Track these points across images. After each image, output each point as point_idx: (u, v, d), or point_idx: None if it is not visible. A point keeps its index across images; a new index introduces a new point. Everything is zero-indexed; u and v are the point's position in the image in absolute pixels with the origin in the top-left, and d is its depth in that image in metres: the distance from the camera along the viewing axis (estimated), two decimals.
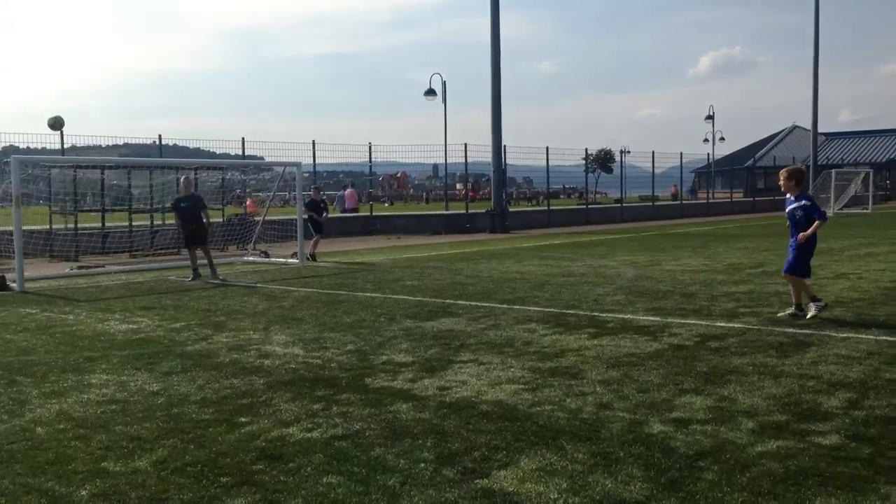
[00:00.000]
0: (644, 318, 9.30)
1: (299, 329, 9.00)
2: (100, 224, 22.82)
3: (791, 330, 8.28)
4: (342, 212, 35.13)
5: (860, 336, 7.84)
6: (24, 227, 14.64)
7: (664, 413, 5.33)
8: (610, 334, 8.29)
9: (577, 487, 4.04)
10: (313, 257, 18.51)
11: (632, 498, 3.89)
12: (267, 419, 5.41)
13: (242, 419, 5.42)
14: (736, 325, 8.63)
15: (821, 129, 57.04)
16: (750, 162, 73.65)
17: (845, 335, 7.92)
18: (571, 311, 9.88)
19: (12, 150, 22.79)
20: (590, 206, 39.26)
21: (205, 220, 15.03)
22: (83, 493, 4.11)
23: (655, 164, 41.97)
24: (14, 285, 13.36)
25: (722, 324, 8.76)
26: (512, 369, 6.76)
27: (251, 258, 19.12)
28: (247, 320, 9.72)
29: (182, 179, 16.09)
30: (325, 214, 19.91)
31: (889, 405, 5.41)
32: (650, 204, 42.45)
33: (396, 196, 76.08)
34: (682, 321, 8.98)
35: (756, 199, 52.58)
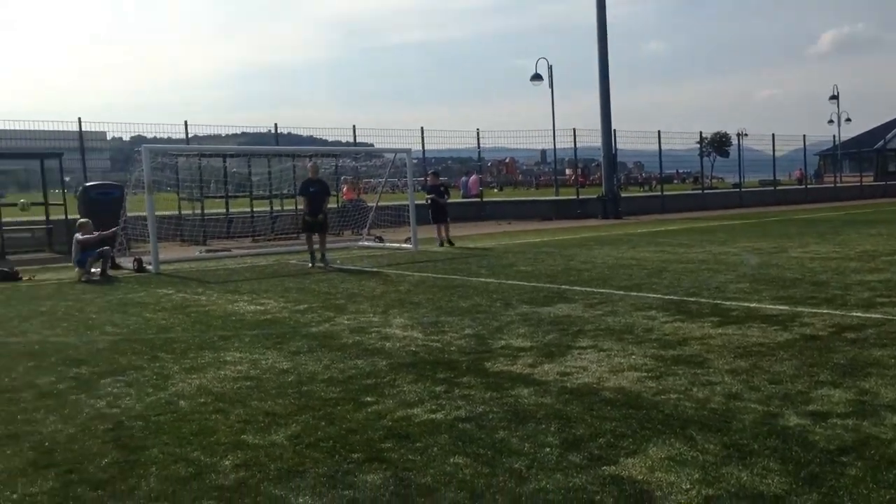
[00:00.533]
0: (771, 306, 8.94)
1: (417, 312, 9.15)
2: (224, 210, 23.92)
3: None
4: (464, 197, 35.39)
5: None
6: (156, 213, 15.51)
7: (800, 406, 5.12)
8: (735, 323, 8.01)
9: (710, 479, 3.95)
10: (450, 242, 18.49)
11: (770, 492, 3.76)
12: (391, 399, 5.54)
13: (368, 399, 5.57)
14: (874, 316, 8.16)
15: None
16: (880, 144, 69.28)
17: None
18: (692, 299, 9.61)
19: (140, 139, 24.18)
20: (706, 191, 37.99)
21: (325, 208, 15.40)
22: (226, 462, 4.35)
23: (776, 148, 40.16)
24: (150, 267, 14.19)
25: (858, 314, 8.31)
26: (633, 356, 6.65)
27: (366, 243, 19.57)
28: (366, 303, 9.97)
29: (309, 165, 16.33)
30: (445, 198, 19.92)
31: None
32: (771, 188, 40.63)
33: (505, 182, 75.95)
34: (814, 310, 8.58)
35: (888, 182, 49.43)
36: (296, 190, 20.78)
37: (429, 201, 19.65)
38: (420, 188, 33.08)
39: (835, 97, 56.95)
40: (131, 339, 7.90)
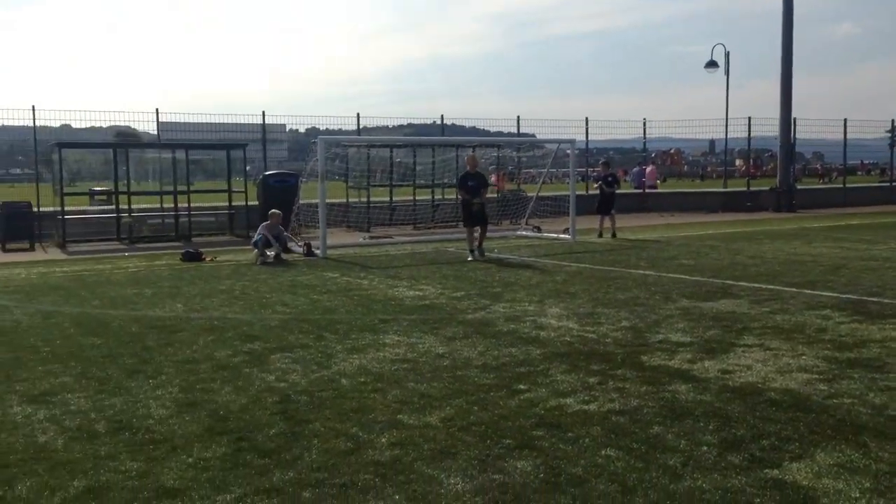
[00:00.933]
0: None
1: (573, 303, 9.08)
2: (388, 198, 24.75)
3: None
4: (636, 187, 34.70)
5: None
6: (326, 200, 16.29)
7: None
8: None
9: (882, 489, 3.67)
10: (613, 235, 18.11)
11: None
12: (544, 388, 5.54)
13: (521, 386, 5.60)
14: None
15: None
16: None
17: None
18: (874, 299, 8.91)
19: (314, 132, 25.49)
20: (894, 184, 34.89)
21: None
22: (383, 440, 4.53)
23: None
24: (318, 252, 14.94)
25: None
26: (804, 357, 6.27)
27: (524, 233, 19.59)
28: (522, 292, 10.00)
29: (467, 156, 15.94)
30: (615, 188, 19.42)
31: None
32: None
33: (669, 173, 73.43)
34: None
35: None
36: (456, 181, 20.97)
37: (598, 190, 19.28)
38: (588, 178, 32.66)
39: None
40: (299, 319, 8.38)
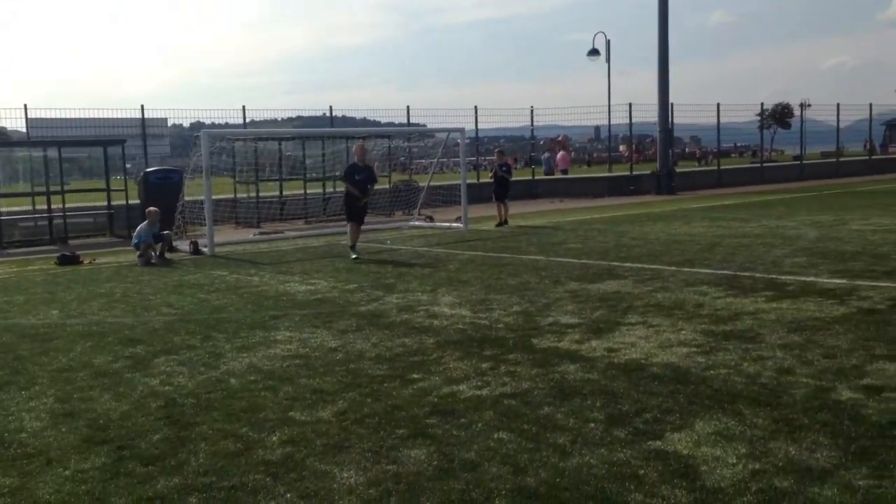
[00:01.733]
0: (829, 280, 8.70)
1: (465, 291, 9.16)
2: (278, 193, 24.27)
3: None
4: (546, 173, 35.36)
5: None
6: (213, 197, 15.81)
7: (853, 380, 4.98)
8: (790, 297, 7.82)
9: (757, 453, 3.87)
10: (505, 222, 18.11)
11: (818, 465, 3.68)
12: (438, 376, 5.57)
13: (415, 375, 5.61)
14: None
15: None
16: None
17: None
18: (746, 274, 9.40)
19: (199, 126, 24.69)
20: (764, 165, 36.99)
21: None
22: (273, 438, 4.43)
23: (841, 118, 38.85)
24: (205, 250, 14.49)
25: None
26: (683, 332, 6.55)
27: (417, 223, 19.63)
28: (414, 282, 10.01)
29: (356, 146, 14.18)
30: (509, 176, 19.31)
31: None
32: (833, 160, 39.36)
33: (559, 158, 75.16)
34: (873, 284, 8.32)
35: None
36: (342, 173, 20.01)
37: (493, 178, 19.28)
38: (479, 167, 32.98)
39: None
40: (185, 320, 8.10)
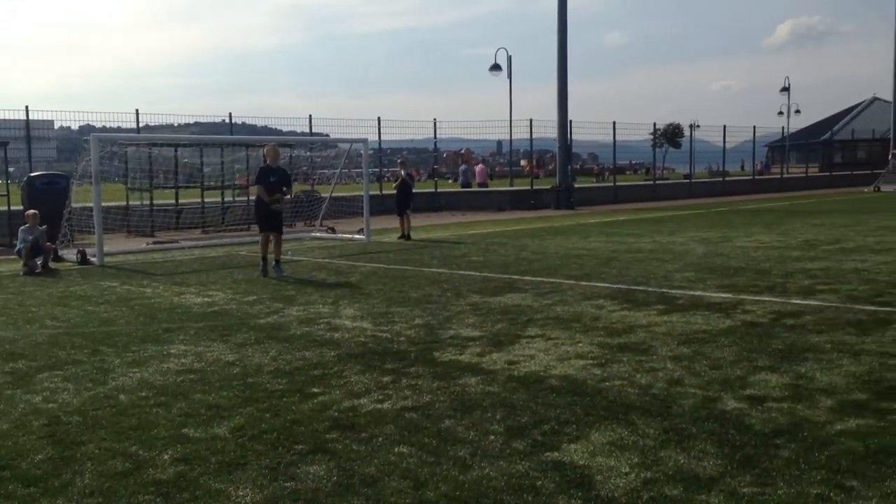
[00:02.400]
0: (715, 294, 9.11)
1: (367, 303, 9.11)
2: (174, 200, 23.50)
3: (871, 307, 8.00)
4: (463, 186, 35.48)
5: None
6: (103, 204, 15.16)
7: (738, 390, 5.23)
8: (680, 311, 8.15)
9: (648, 462, 4.01)
10: (407, 236, 17.69)
11: (705, 474, 3.84)
12: (338, 390, 5.51)
13: (315, 390, 5.53)
14: (812, 303, 8.38)
15: None
16: (827, 135, 70.97)
17: None
18: (640, 288, 9.74)
19: (89, 128, 23.61)
20: (657, 182, 38.51)
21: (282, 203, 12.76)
22: (165, 457, 4.27)
23: (727, 139, 40.92)
24: (94, 259, 13.86)
25: (798, 301, 8.52)
26: (580, 344, 6.72)
27: (318, 234, 19.42)
28: (316, 294, 9.89)
29: (266, 149, 13.15)
30: (412, 187, 18.78)
31: None
32: (720, 179, 41.40)
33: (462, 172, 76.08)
34: (756, 298, 8.77)
35: (833, 174, 50.74)
36: (253, 177, 18.80)
37: (396, 189, 18.93)
38: (382, 178, 32.90)
39: (786, 89, 58.12)
40: (72, 333, 7.71)
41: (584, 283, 10.29)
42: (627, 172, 67.30)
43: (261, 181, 12.24)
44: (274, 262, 12.09)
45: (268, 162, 12.62)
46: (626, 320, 7.73)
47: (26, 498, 3.76)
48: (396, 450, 4.30)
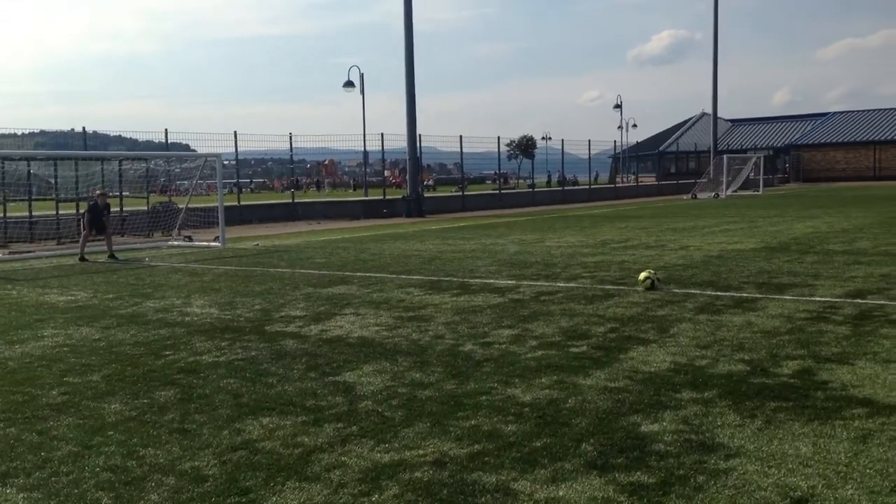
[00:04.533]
0: (503, 281, 11.40)
1: (216, 296, 10.78)
2: (27, 213, 23.89)
3: (609, 287, 10.49)
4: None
5: (656, 290, 10.06)
6: None
7: (478, 339, 7.38)
8: (470, 293, 10.34)
9: (396, 378, 6.04)
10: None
11: (428, 381, 5.91)
12: (185, 352, 7.24)
13: (167, 353, 7.24)
14: (571, 285, 10.80)
15: (745, 115, 60.86)
16: (664, 146, 77.42)
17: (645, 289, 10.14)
18: (447, 279, 11.91)
19: None
20: (503, 192, 41.59)
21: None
22: (53, 392, 5.91)
23: (579, 150, 44.91)
24: None
25: (561, 284, 10.93)
26: (381, 317, 8.73)
27: (176, 242, 20.62)
28: (170, 291, 11.44)
29: (98, 194, 17.97)
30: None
31: (635, 329, 7.59)
32: (560, 189, 45.08)
33: (327, 183, 77.32)
34: (532, 283, 11.11)
35: (661, 183, 55.93)
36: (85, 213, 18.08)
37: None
38: (247, 189, 33.87)
39: (618, 106, 63.32)
40: None
41: (404, 276, 12.36)
42: (487, 182, 70.59)
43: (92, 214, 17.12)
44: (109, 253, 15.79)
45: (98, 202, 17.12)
46: (424, 301, 9.82)
47: None
48: (224, 381, 6.13)
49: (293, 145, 33.11)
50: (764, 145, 73.99)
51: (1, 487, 4.13)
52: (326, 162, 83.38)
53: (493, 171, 72.07)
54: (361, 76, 40.86)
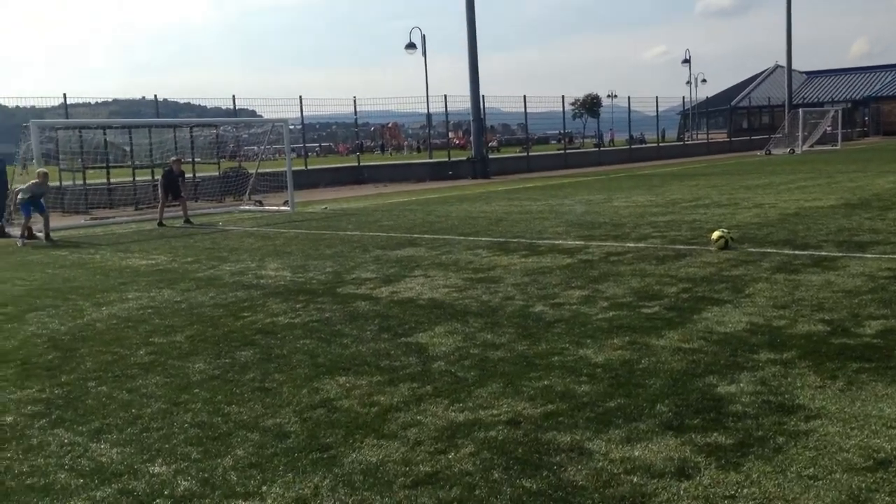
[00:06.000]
0: (572, 242, 11.33)
1: (288, 259, 11.02)
2: (105, 180, 24.75)
3: (681, 247, 10.32)
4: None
5: (730, 249, 9.84)
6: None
7: (549, 300, 7.38)
8: (538, 255, 10.31)
9: (467, 339, 6.10)
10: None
11: (499, 342, 5.95)
12: (262, 313, 7.45)
13: (245, 314, 7.46)
14: (641, 245, 10.66)
15: (822, 66, 58.46)
16: (736, 101, 74.98)
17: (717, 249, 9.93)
18: (515, 240, 11.89)
19: (19, 111, 24.59)
20: (568, 151, 41.07)
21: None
22: (140, 352, 6.18)
23: (646, 108, 43.96)
24: (40, 235, 15.33)
25: (631, 244, 10.80)
26: (450, 279, 8.80)
27: (246, 207, 21.09)
28: (245, 254, 11.74)
29: (172, 160, 18.74)
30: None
31: (709, 290, 7.46)
32: (628, 147, 44.25)
33: (391, 146, 77.65)
34: (601, 244, 11.01)
35: (732, 139, 54.31)
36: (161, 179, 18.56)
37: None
38: (314, 153, 34.35)
39: (686, 61, 61.42)
40: (42, 288, 9.42)
41: (471, 238, 12.40)
42: (552, 142, 69.78)
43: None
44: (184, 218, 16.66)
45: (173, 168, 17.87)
46: (492, 263, 9.84)
47: (48, 375, 5.62)
48: (301, 342, 6.29)
49: (357, 109, 33.30)
50: (842, 98, 70.87)
51: (95, 443, 4.35)
52: (390, 125, 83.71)
53: (557, 131, 71.41)
54: (423, 37, 40.63)
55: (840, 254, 9.18)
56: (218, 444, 4.24)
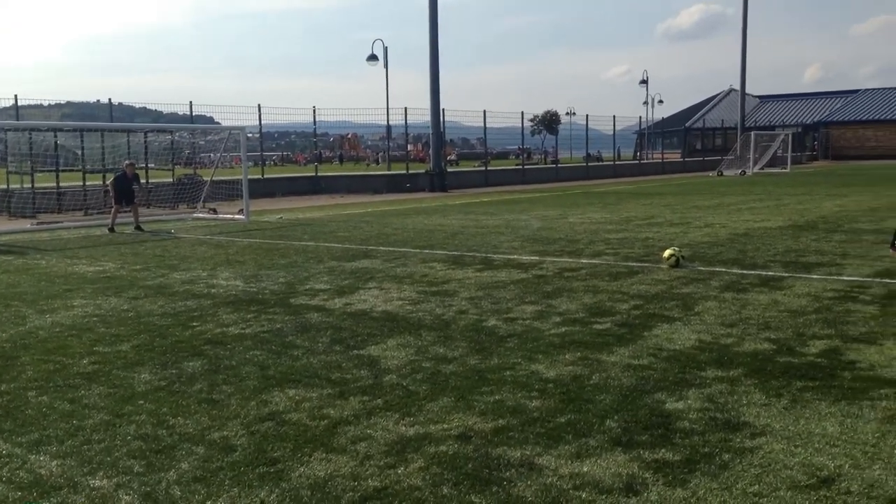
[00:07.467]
0: (527, 257, 11.38)
1: (241, 269, 10.87)
2: (55, 183, 24.17)
3: (633, 264, 10.44)
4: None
5: (681, 267, 10.00)
6: None
7: (502, 315, 7.39)
8: (493, 269, 10.34)
9: (420, 352, 6.07)
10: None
11: (452, 356, 5.94)
12: (212, 323, 7.32)
13: (195, 324, 7.32)
14: (594, 261, 10.76)
15: (775, 91, 59.90)
16: (690, 122, 76.45)
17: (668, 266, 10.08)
18: (470, 254, 11.91)
19: None
20: (526, 167, 41.37)
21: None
22: (84, 361, 6.01)
23: (604, 126, 44.51)
24: None
25: (585, 260, 10.89)
26: (405, 292, 8.76)
27: (200, 215, 20.77)
28: (196, 263, 11.55)
29: (126, 164, 18.58)
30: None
31: (660, 307, 7.55)
32: (584, 164, 44.76)
33: (349, 157, 77.28)
34: (555, 259, 11.09)
35: (686, 160, 55.35)
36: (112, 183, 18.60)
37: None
38: (269, 162, 33.99)
39: (644, 81, 62.53)
40: None
41: (427, 251, 12.38)
42: (511, 157, 70.20)
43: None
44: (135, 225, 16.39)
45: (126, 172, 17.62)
46: (447, 276, 9.84)
47: None
48: (251, 353, 6.19)
49: (317, 119, 33.12)
50: (793, 122, 72.80)
51: (35, 455, 4.22)
52: (349, 136, 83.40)
53: (516, 147, 71.93)
54: (385, 50, 40.72)
55: (787, 274, 9.39)
56: (162, 457, 4.13)
